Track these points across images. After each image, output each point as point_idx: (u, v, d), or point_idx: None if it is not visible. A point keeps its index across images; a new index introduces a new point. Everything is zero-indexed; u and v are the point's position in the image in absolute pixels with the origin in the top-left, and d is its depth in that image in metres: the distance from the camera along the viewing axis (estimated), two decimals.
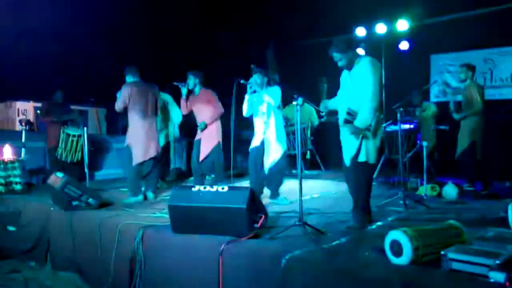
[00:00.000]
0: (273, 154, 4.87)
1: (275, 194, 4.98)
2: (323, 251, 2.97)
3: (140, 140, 5.27)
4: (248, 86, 4.87)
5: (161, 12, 8.60)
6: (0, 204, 5.47)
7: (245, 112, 5.01)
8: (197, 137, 5.80)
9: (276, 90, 4.90)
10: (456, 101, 5.92)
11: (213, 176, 6.06)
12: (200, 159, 5.65)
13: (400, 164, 4.86)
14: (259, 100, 4.92)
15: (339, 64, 3.74)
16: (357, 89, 3.62)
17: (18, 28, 7.05)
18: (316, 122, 8.07)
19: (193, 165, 5.82)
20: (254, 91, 4.89)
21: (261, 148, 4.93)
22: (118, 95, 5.33)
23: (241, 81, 4.84)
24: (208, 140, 5.66)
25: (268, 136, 4.91)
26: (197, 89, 5.69)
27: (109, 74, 7.87)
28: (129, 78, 5.42)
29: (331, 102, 3.97)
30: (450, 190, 5.02)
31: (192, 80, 5.63)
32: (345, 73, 3.81)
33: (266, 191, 5.07)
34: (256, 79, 4.87)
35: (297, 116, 3.50)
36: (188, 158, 7.42)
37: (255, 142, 4.99)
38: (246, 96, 4.93)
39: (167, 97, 6.51)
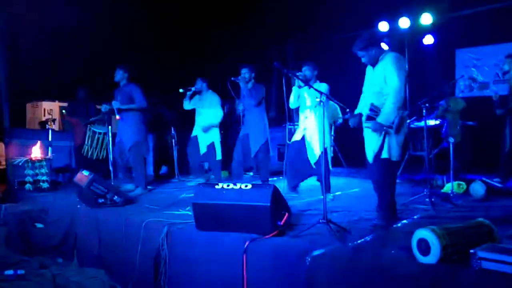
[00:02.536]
0: (316, 149, 4.85)
1: (327, 189, 4.85)
2: (348, 249, 2.94)
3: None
4: (296, 81, 4.85)
5: (182, 8, 8.65)
6: (28, 202, 5.61)
7: (292, 104, 5.02)
8: (242, 133, 5.88)
9: (322, 88, 4.86)
10: (498, 95, 5.59)
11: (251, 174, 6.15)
12: (252, 155, 5.69)
13: (426, 161, 4.77)
14: (304, 94, 4.93)
15: (363, 60, 3.70)
16: (381, 85, 3.56)
17: (41, 27, 7.18)
18: (340, 120, 7.99)
19: (236, 162, 5.87)
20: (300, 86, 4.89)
21: (302, 143, 4.92)
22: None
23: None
24: (257, 137, 5.68)
25: (309, 132, 4.90)
26: (250, 84, 5.76)
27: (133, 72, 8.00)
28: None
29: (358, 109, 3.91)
30: (477, 188, 4.89)
31: (248, 75, 5.70)
32: (369, 69, 3.76)
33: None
34: (305, 72, 4.86)
35: (321, 113, 3.47)
36: None
37: (295, 137, 4.99)
38: (294, 89, 4.95)
39: (213, 96, 6.49)
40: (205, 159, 6.50)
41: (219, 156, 6.35)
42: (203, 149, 6.37)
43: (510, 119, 5.38)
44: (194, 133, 6.47)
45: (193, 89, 6.34)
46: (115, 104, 5.76)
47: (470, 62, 8.37)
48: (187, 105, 6.46)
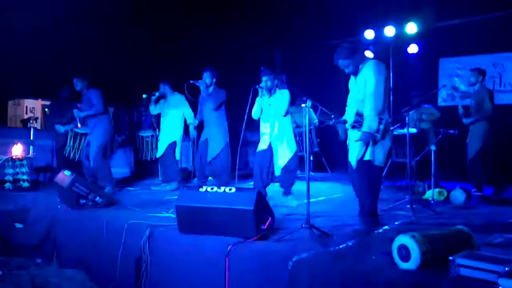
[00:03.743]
0: (284, 155, 4.87)
1: (287, 193, 4.98)
2: (330, 254, 2.96)
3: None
4: (260, 90, 4.88)
5: (164, 12, 8.63)
6: (8, 201, 5.51)
7: (255, 115, 5.01)
8: (202, 138, 5.81)
9: (285, 95, 4.89)
10: (465, 105, 5.89)
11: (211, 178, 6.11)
12: (209, 159, 5.66)
13: (408, 168, 4.84)
14: (267, 104, 4.93)
15: (346, 71, 3.73)
16: (363, 93, 3.61)
17: (25, 25, 7.09)
18: (315, 121, 8.00)
19: (198, 166, 5.85)
20: (263, 93, 4.91)
21: (269, 151, 4.92)
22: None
23: (257, 87, 4.88)
24: (216, 141, 5.66)
25: (276, 139, 4.90)
26: (211, 88, 5.73)
27: (119, 73, 7.96)
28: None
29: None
30: (457, 195, 4.99)
31: (209, 79, 5.69)
32: (352, 78, 3.80)
33: (271, 193, 5.09)
34: (265, 83, 4.88)
35: (306, 118, 3.50)
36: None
37: (262, 145, 4.99)
38: (257, 100, 4.95)
39: (178, 97, 6.50)
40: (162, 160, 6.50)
41: (178, 156, 6.36)
42: (161, 150, 6.41)
43: (476, 129, 5.57)
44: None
45: (157, 94, 6.37)
46: (75, 113, 5.96)
47: (453, 71, 8.53)
48: (153, 110, 6.50)
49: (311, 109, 7.58)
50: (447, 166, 6.71)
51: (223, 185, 5.41)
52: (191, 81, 5.61)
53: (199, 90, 5.75)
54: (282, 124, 4.92)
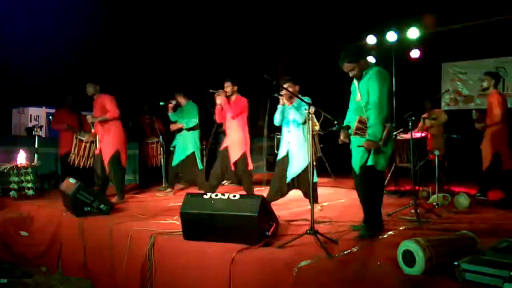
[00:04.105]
0: (298, 164, 4.86)
1: (314, 200, 4.91)
2: (334, 260, 2.96)
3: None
4: (280, 99, 4.93)
5: (172, 23, 8.71)
6: (13, 209, 5.54)
7: (277, 121, 5.07)
8: (223, 146, 5.84)
9: (304, 105, 4.90)
10: (478, 110, 5.83)
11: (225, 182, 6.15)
12: (232, 166, 5.68)
13: (412, 173, 4.84)
14: (288, 111, 4.98)
15: (351, 74, 3.74)
16: (365, 99, 3.62)
17: (30, 33, 7.15)
18: (316, 127, 8.00)
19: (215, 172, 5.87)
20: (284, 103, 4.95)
21: (287, 157, 4.94)
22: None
23: (276, 95, 4.92)
24: (235, 149, 5.68)
25: (293, 147, 4.92)
26: (233, 97, 5.76)
27: (122, 80, 8.01)
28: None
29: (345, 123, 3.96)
30: (462, 200, 4.97)
31: (230, 87, 5.72)
32: (354, 83, 3.81)
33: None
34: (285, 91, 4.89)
35: (309, 124, 3.51)
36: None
37: (281, 152, 5.02)
38: (279, 107, 4.99)
39: (190, 106, 6.60)
40: (182, 169, 6.58)
41: (200, 166, 6.46)
42: (177, 159, 6.51)
43: (488, 134, 5.52)
44: (174, 143, 6.67)
45: (174, 102, 6.57)
46: (89, 119, 5.93)
47: (456, 76, 8.54)
48: (172, 117, 6.66)
49: (313, 116, 7.59)
50: (452, 170, 6.71)
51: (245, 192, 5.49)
52: (211, 90, 5.63)
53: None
54: (299, 133, 4.92)
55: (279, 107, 5.01)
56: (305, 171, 4.79)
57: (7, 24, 6.92)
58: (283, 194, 5.00)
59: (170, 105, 6.55)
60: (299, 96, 4.47)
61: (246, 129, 5.76)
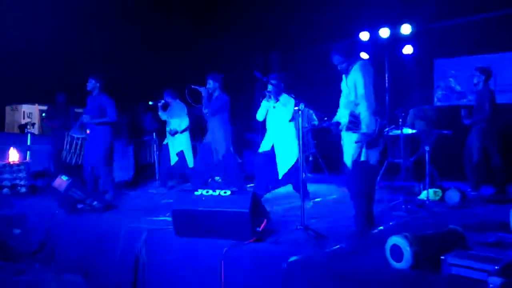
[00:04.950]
0: (287, 161, 4.89)
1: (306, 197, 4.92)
2: (324, 255, 2.99)
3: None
4: (267, 94, 4.91)
5: (163, 18, 8.68)
6: (5, 207, 5.53)
7: (260, 117, 5.05)
8: (205, 140, 5.86)
9: (291, 102, 4.93)
10: (468, 106, 5.86)
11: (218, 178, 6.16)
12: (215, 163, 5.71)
13: (402, 168, 4.87)
14: (272, 107, 4.98)
15: (339, 67, 3.76)
16: (353, 94, 3.65)
17: (21, 31, 7.12)
18: (315, 122, 8.03)
19: (198, 168, 5.89)
20: (270, 97, 4.94)
21: (271, 153, 4.95)
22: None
23: (265, 92, 4.93)
24: (219, 146, 5.68)
25: (279, 142, 4.94)
26: (216, 93, 5.77)
27: (117, 77, 7.99)
28: None
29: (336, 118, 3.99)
30: (453, 195, 5.00)
31: (211, 84, 5.73)
32: (344, 78, 3.84)
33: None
34: (273, 87, 4.90)
35: (299, 121, 3.53)
36: None
37: (264, 146, 5.02)
38: (264, 103, 4.97)
39: (179, 105, 6.61)
40: (176, 167, 6.60)
41: (191, 164, 6.44)
42: (173, 158, 6.52)
43: (476, 130, 5.56)
44: (165, 141, 6.67)
45: (162, 101, 6.53)
46: (85, 119, 5.85)
47: (448, 72, 8.56)
48: (163, 116, 6.64)
49: (310, 111, 7.62)
50: (443, 166, 6.75)
51: (238, 188, 5.51)
52: (192, 86, 5.65)
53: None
54: (285, 128, 4.95)
55: (264, 102, 4.98)
56: (294, 166, 4.81)
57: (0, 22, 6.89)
58: (269, 189, 5.02)
59: (160, 105, 6.54)
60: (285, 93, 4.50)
61: (228, 126, 5.78)
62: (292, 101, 4.90)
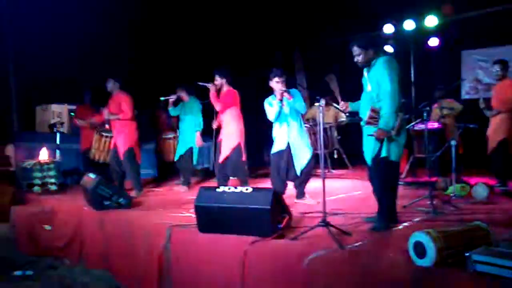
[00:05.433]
0: (304, 155, 4.89)
1: (302, 194, 5.02)
2: (346, 252, 2.98)
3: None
4: (278, 94, 4.85)
5: (184, 15, 8.76)
6: (37, 204, 5.72)
7: (274, 117, 4.95)
8: (218, 139, 5.91)
9: (298, 95, 4.93)
10: (486, 98, 5.78)
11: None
12: (220, 160, 5.73)
13: (428, 163, 4.79)
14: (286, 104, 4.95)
15: (355, 59, 3.71)
16: (375, 90, 3.60)
17: (50, 31, 7.30)
18: (343, 118, 7.94)
19: (216, 166, 5.95)
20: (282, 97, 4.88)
21: (287, 151, 4.95)
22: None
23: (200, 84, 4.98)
24: (228, 141, 5.72)
25: (294, 139, 4.93)
26: (224, 89, 5.80)
27: (140, 76, 8.13)
28: None
29: (354, 105, 3.96)
30: (480, 190, 4.89)
31: (219, 80, 5.75)
32: (364, 72, 3.79)
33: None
34: (282, 86, 4.88)
35: (320, 117, 3.52)
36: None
37: (279, 146, 5.01)
38: (274, 101, 4.91)
39: (193, 103, 6.66)
40: (179, 163, 6.68)
41: (195, 161, 6.58)
42: (179, 154, 6.62)
43: (493, 121, 5.47)
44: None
45: (174, 96, 6.49)
46: (105, 115, 6.06)
47: (476, 64, 8.35)
48: (172, 112, 6.63)
49: (338, 106, 7.56)
50: (470, 160, 6.60)
51: (241, 185, 5.56)
52: (200, 83, 5.70)
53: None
54: (298, 124, 4.95)
55: (278, 103, 4.84)
56: (310, 162, 4.87)
57: (29, 23, 7.08)
58: (285, 188, 5.04)
59: (171, 100, 6.51)
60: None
61: (240, 121, 5.78)
62: (297, 92, 4.91)
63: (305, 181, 5.01)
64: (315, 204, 4.80)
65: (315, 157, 4.99)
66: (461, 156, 6.10)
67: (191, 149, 6.56)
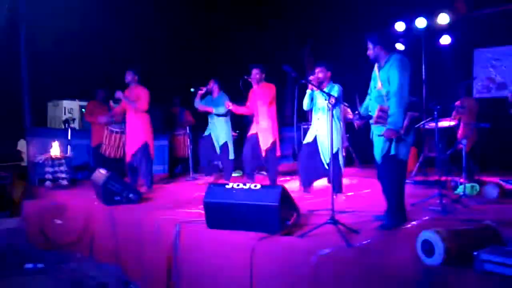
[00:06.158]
0: (329, 150, 4.88)
1: (339, 190, 4.98)
2: (354, 250, 2.98)
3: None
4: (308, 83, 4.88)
5: (197, 13, 8.77)
6: (48, 199, 5.80)
7: (306, 106, 5.06)
8: (251, 133, 5.91)
9: (336, 88, 4.91)
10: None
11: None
12: (262, 153, 5.73)
13: (438, 162, 4.76)
14: (317, 97, 4.96)
15: (368, 52, 3.72)
16: (386, 88, 3.59)
17: (62, 28, 7.36)
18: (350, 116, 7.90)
19: (245, 159, 5.94)
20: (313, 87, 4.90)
21: (313, 144, 4.95)
22: None
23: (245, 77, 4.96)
24: (267, 136, 5.74)
25: (322, 133, 4.93)
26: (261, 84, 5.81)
27: (154, 72, 8.17)
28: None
29: (362, 109, 3.95)
30: (490, 190, 4.86)
31: (259, 75, 5.77)
32: (375, 69, 3.77)
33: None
34: (318, 74, 4.89)
35: (329, 114, 3.52)
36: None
37: (308, 138, 5.04)
38: (308, 91, 4.97)
39: (223, 97, 6.61)
40: (219, 158, 6.61)
41: (231, 156, 6.47)
42: (218, 149, 6.53)
43: None
44: (207, 133, 6.62)
45: (205, 88, 6.48)
46: (118, 94, 5.91)
47: (489, 62, 8.26)
48: (197, 104, 6.55)
49: (346, 104, 7.54)
50: (481, 160, 6.54)
51: (271, 181, 5.50)
52: (245, 77, 5.66)
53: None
54: (333, 119, 4.91)
55: (308, 91, 4.97)
56: (334, 158, 4.81)
57: (42, 18, 7.14)
58: (318, 176, 5.03)
59: (200, 92, 6.49)
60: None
61: (275, 116, 5.80)
62: (336, 87, 4.89)
63: (337, 175, 4.90)
64: (343, 200, 4.83)
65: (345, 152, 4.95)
66: (476, 156, 6.05)
67: (225, 144, 6.48)
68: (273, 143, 5.72)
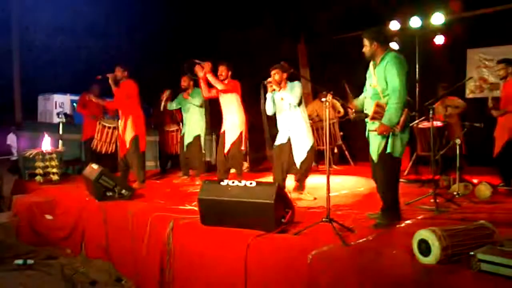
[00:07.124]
0: (303, 148, 4.87)
1: (301, 188, 5.00)
2: (349, 248, 2.97)
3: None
4: (268, 85, 4.85)
5: (190, 8, 8.72)
6: (38, 194, 5.72)
7: (269, 111, 5.00)
8: (221, 130, 5.90)
9: (296, 86, 4.89)
10: (495, 97, 5.74)
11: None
12: (225, 151, 5.72)
13: (432, 161, 4.77)
14: (279, 98, 4.92)
15: (364, 49, 3.72)
16: (382, 85, 3.58)
17: (54, 24, 7.28)
18: (342, 110, 7.90)
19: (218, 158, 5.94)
20: (274, 90, 4.87)
21: (287, 144, 4.93)
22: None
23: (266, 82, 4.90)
24: (231, 132, 5.72)
25: (294, 132, 4.91)
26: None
27: (142, 70, 8.11)
28: None
29: (358, 102, 3.94)
30: (483, 189, 4.88)
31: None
32: (371, 67, 3.77)
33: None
34: (275, 77, 4.87)
35: (326, 113, 3.50)
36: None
37: (280, 139, 5.00)
38: (268, 95, 4.91)
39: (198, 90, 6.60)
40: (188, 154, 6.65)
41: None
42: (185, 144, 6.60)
43: (500, 122, 5.43)
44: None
45: (168, 92, 6.65)
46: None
47: (481, 62, 8.31)
48: (170, 106, 6.75)
49: (335, 100, 7.53)
50: (474, 159, 6.58)
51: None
52: (196, 60, 5.72)
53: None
54: (297, 116, 4.92)
55: (268, 95, 4.89)
56: (309, 153, 4.84)
57: (33, 14, 7.06)
58: (284, 181, 5.02)
59: (164, 98, 6.62)
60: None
61: (242, 110, 5.81)
62: (297, 83, 4.87)
63: (304, 174, 4.96)
64: (311, 200, 4.79)
65: (316, 151, 4.95)
66: (463, 155, 6.09)
67: (198, 137, 6.52)
68: (239, 137, 5.73)
